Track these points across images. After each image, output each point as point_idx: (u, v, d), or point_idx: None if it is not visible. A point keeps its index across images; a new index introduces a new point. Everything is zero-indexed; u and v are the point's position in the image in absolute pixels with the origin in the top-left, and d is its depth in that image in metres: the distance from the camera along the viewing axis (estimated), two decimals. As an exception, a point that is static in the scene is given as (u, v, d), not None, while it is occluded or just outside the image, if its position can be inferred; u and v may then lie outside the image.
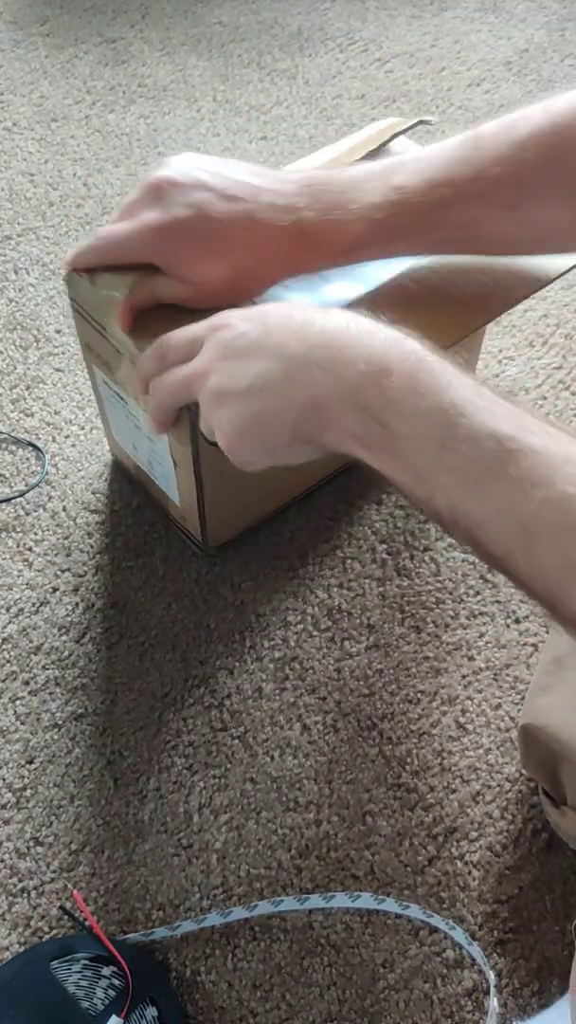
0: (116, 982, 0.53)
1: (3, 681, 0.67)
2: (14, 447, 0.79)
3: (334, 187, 0.53)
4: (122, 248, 0.54)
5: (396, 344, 0.43)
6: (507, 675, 0.66)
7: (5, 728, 0.65)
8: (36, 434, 0.80)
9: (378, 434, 0.42)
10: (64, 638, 0.69)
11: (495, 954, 0.56)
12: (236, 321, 0.48)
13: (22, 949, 0.56)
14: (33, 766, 0.63)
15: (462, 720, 0.65)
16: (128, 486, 0.76)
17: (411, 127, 0.67)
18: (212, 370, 0.47)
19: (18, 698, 0.66)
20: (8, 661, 0.68)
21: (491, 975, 0.54)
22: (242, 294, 0.55)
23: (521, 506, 0.38)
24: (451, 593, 0.70)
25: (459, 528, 0.41)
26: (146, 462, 0.67)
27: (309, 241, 0.52)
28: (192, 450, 0.57)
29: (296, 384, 0.44)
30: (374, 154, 0.65)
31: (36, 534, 0.74)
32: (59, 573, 0.72)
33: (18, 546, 0.73)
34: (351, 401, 0.43)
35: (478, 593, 0.70)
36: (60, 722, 0.65)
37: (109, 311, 0.56)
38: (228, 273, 0.53)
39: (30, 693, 0.66)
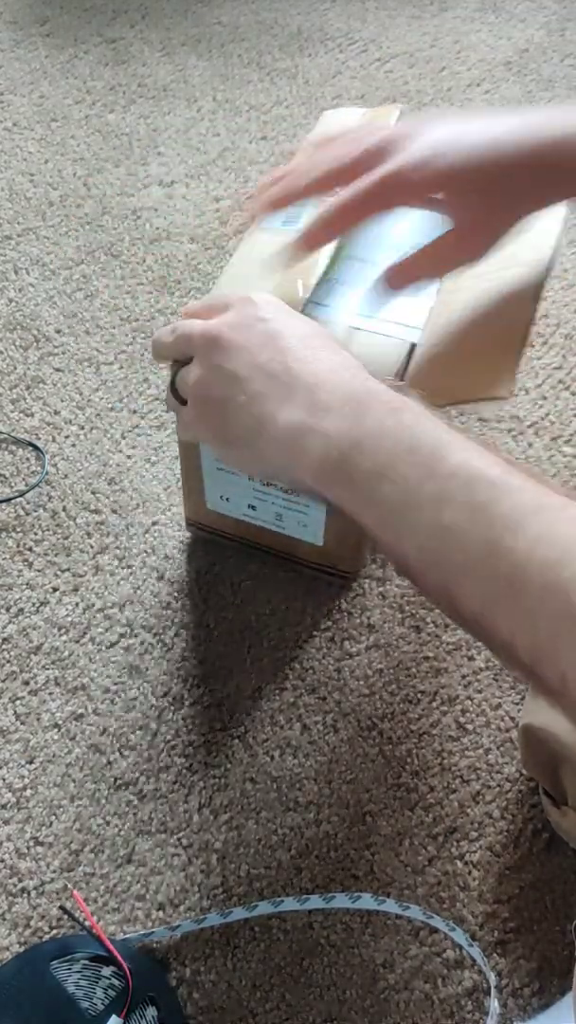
0: (116, 982, 0.53)
1: (3, 681, 0.67)
2: (14, 447, 0.79)
3: (549, 123, 0.51)
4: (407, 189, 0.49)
5: (378, 386, 0.42)
6: (507, 675, 0.66)
7: (5, 728, 0.65)
8: (36, 434, 0.80)
9: (346, 467, 0.40)
10: (64, 638, 0.69)
11: (495, 954, 0.56)
12: (265, 303, 0.47)
13: (22, 949, 0.56)
14: (33, 766, 0.63)
15: (462, 720, 0.65)
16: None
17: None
18: (223, 335, 0.46)
19: (18, 698, 0.66)
20: (8, 661, 0.68)
21: (491, 975, 0.54)
22: (491, 240, 0.53)
23: (507, 545, 0.34)
24: (451, 593, 0.70)
25: (428, 578, 0.38)
26: (271, 518, 0.65)
27: (548, 167, 0.50)
28: None
29: (269, 401, 0.43)
30: None
31: (36, 534, 0.74)
32: (59, 573, 0.72)
33: (18, 546, 0.73)
34: (318, 432, 0.41)
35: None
36: (60, 722, 0.65)
37: None
38: (499, 199, 0.51)
39: (30, 693, 0.66)
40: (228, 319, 0.47)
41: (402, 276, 0.52)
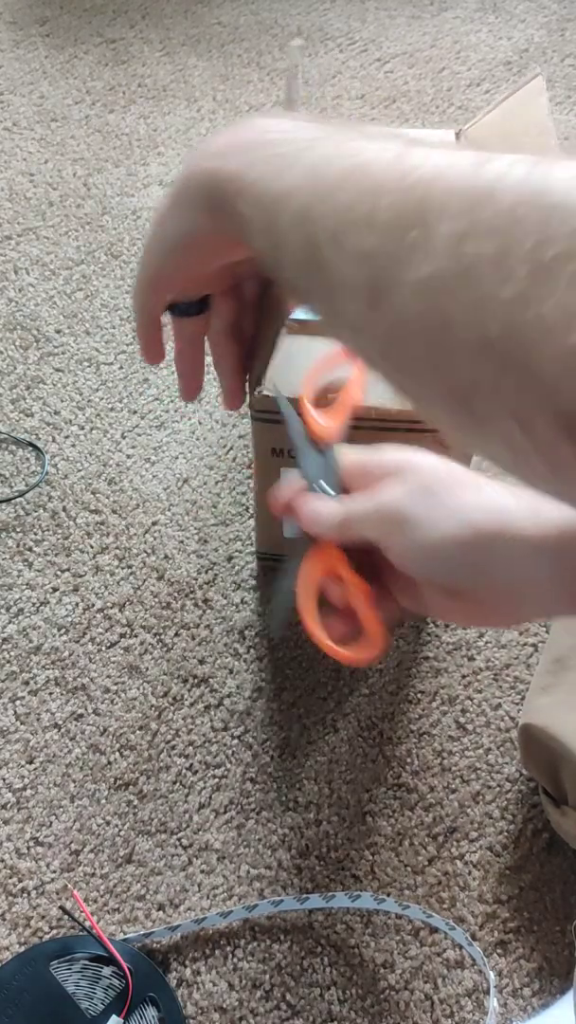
0: (116, 982, 0.53)
1: (3, 681, 0.67)
2: (14, 447, 0.79)
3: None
4: None
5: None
6: (507, 675, 0.66)
7: (5, 728, 0.65)
8: (36, 434, 0.80)
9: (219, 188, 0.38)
10: (64, 638, 0.69)
11: (495, 954, 0.56)
12: None
13: (22, 949, 0.56)
14: (33, 766, 0.63)
15: (462, 720, 0.65)
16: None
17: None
18: None
19: (18, 698, 0.66)
20: (8, 661, 0.68)
21: (491, 975, 0.54)
22: None
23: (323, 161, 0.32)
24: (451, 593, 0.70)
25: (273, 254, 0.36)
26: None
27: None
28: None
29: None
30: None
31: (36, 534, 0.74)
32: (59, 573, 0.72)
33: (18, 546, 0.73)
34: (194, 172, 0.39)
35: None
36: (60, 722, 0.65)
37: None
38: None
39: (30, 693, 0.66)
40: None
41: None
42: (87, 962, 0.54)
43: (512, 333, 0.24)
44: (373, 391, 0.53)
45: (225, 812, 0.61)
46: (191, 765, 0.63)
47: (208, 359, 0.49)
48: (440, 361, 0.27)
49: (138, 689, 0.66)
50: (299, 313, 0.56)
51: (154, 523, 0.75)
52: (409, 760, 0.63)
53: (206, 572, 0.72)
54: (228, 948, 0.56)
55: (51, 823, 0.61)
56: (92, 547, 0.73)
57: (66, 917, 0.57)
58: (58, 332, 0.87)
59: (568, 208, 0.23)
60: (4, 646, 0.68)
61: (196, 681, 0.67)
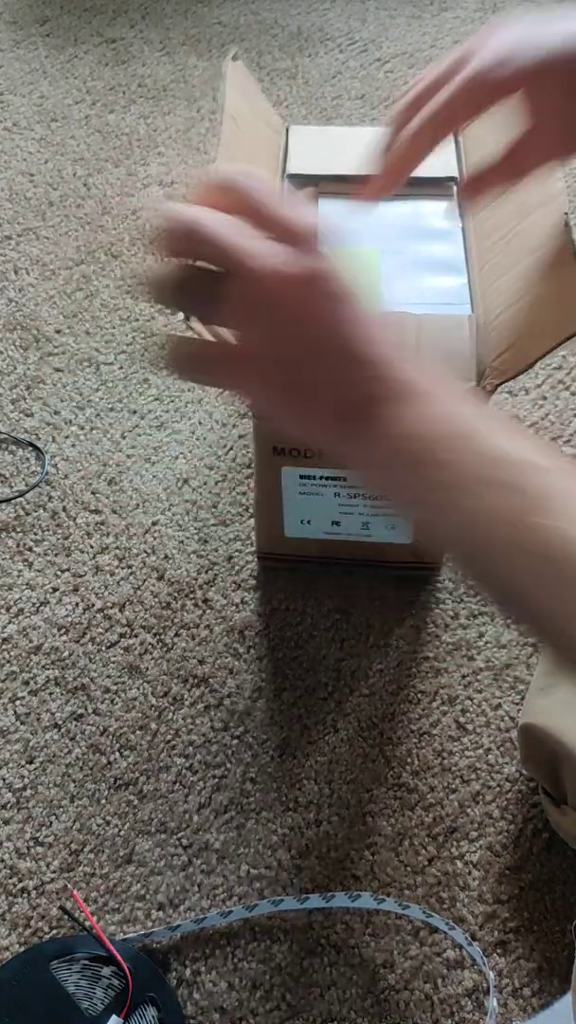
0: (116, 982, 0.53)
1: (3, 681, 0.67)
2: (14, 447, 0.79)
3: None
4: None
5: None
6: (507, 675, 0.66)
7: (5, 728, 0.65)
8: (36, 434, 0.80)
9: (401, 453, 0.38)
10: (64, 638, 0.69)
11: (495, 954, 0.56)
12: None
13: (22, 949, 0.56)
14: (33, 766, 0.63)
15: (462, 720, 0.65)
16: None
17: None
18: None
19: (18, 698, 0.66)
20: (8, 661, 0.68)
21: (491, 975, 0.54)
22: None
23: (536, 521, 0.35)
24: (451, 593, 0.70)
25: (463, 556, 0.38)
26: (357, 529, 0.65)
27: None
28: None
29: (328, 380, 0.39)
30: None
31: (36, 534, 0.74)
32: (59, 573, 0.72)
33: (18, 546, 0.73)
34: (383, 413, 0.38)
35: (478, 593, 0.70)
36: (60, 722, 0.65)
37: None
38: None
39: (30, 693, 0.66)
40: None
41: (480, 184, 0.53)
42: (87, 962, 0.54)
43: None
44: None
45: (225, 812, 0.61)
46: (191, 765, 0.63)
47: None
48: None
49: (138, 689, 0.66)
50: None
51: (154, 523, 0.75)
52: (409, 760, 0.63)
53: (206, 572, 0.72)
54: (228, 948, 0.56)
55: (51, 823, 0.61)
56: (92, 547, 0.73)
57: (66, 917, 0.57)
58: (58, 332, 0.87)
59: None
60: (4, 646, 0.68)
61: (196, 681, 0.67)
